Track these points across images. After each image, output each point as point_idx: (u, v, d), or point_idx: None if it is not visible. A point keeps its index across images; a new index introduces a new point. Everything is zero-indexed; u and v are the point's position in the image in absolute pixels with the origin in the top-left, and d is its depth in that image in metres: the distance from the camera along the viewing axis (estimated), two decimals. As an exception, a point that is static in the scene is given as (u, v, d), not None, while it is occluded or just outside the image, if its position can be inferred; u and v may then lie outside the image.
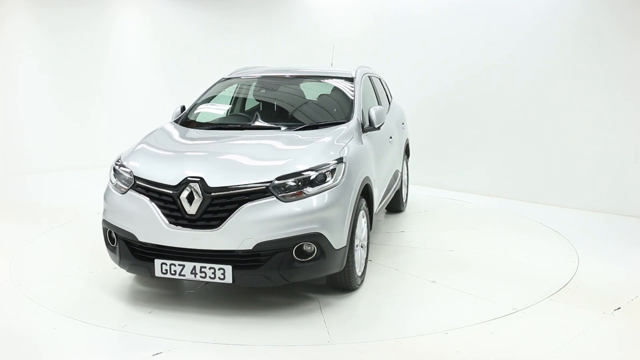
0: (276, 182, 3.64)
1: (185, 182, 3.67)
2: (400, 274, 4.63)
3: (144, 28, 10.31)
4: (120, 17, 10.03)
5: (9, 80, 8.90)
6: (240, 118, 5.10)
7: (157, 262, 3.71)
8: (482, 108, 7.71)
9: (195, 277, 3.65)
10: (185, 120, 4.89)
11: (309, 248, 3.67)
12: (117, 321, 3.75)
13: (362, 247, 4.30)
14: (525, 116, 7.36)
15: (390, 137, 5.53)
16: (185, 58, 10.45)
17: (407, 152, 6.76)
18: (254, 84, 5.43)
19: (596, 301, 4.11)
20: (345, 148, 4.06)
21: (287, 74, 5.37)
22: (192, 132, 4.63)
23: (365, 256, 4.40)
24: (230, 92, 5.39)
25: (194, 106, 5.10)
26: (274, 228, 3.56)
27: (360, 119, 4.64)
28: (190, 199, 3.64)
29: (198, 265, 3.63)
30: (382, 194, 5.16)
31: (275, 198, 3.60)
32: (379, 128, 4.75)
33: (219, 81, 5.48)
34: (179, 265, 3.66)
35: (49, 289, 4.32)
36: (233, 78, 5.46)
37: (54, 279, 4.52)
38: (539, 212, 6.76)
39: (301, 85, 5.34)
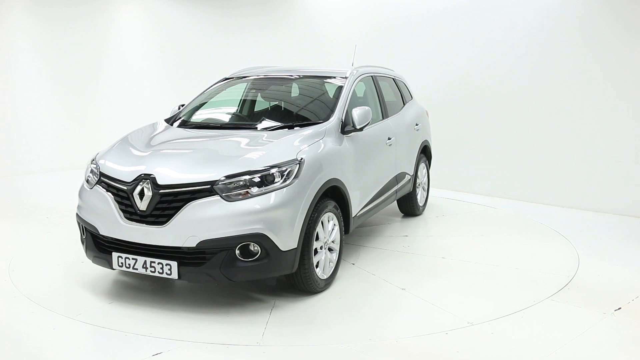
0: (221, 181, 3.68)
1: (138, 179, 3.81)
2: (376, 279, 4.50)
3: (143, 28, 10.31)
4: (120, 17, 10.03)
5: (8, 80, 8.90)
6: (223, 118, 5.17)
7: (114, 255, 3.86)
8: (482, 108, 7.71)
9: (146, 271, 3.76)
10: (176, 119, 5.03)
11: (255, 248, 3.69)
12: (117, 321, 3.75)
13: (329, 249, 4.27)
14: (525, 116, 7.36)
15: (389, 138, 5.39)
16: (185, 57, 10.45)
17: (426, 154, 6.61)
18: (249, 84, 5.50)
19: (596, 301, 4.10)
20: (306, 149, 4.05)
21: (282, 75, 5.44)
22: (171, 130, 4.73)
23: (336, 259, 4.34)
24: (225, 92, 5.44)
25: (187, 105, 5.26)
26: (216, 227, 3.61)
27: (343, 120, 4.62)
28: (141, 195, 3.76)
29: (148, 260, 3.74)
30: (371, 197, 5.02)
31: (219, 197, 3.65)
32: (361, 129, 4.66)
33: (219, 81, 5.55)
34: (132, 259, 3.79)
35: (48, 289, 4.32)
36: (232, 78, 5.55)
37: (54, 279, 4.52)
38: (539, 212, 6.76)
39: (293, 85, 5.38)
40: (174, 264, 3.67)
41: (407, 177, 5.94)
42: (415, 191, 6.25)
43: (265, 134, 4.36)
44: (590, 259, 5.02)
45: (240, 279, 3.77)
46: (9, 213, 6.74)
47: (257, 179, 3.72)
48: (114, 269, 3.93)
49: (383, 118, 5.51)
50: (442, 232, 5.89)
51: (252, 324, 3.72)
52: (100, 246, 3.99)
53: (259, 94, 5.50)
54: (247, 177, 3.71)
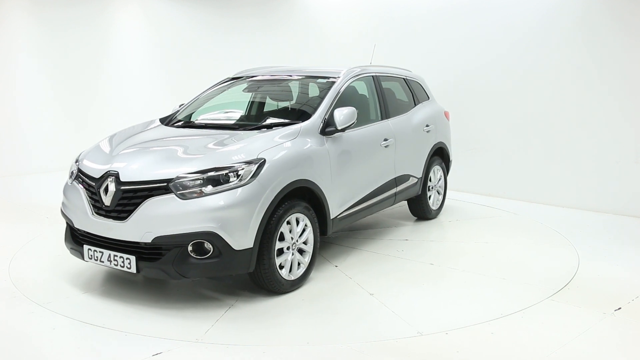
0: (176, 180, 3.75)
1: (106, 175, 3.97)
2: (350, 283, 4.43)
3: (143, 28, 10.31)
4: (120, 17, 10.03)
5: (8, 80, 8.90)
6: (211, 118, 5.16)
7: (85, 248, 4.05)
8: (481, 108, 7.71)
9: (110, 264, 3.91)
10: (170, 118, 5.15)
11: (208, 246, 3.74)
12: (117, 321, 3.75)
13: (299, 251, 4.26)
14: (525, 116, 7.36)
15: (386, 140, 5.28)
16: (185, 57, 10.45)
17: (442, 156, 6.49)
18: (244, 85, 5.54)
19: (596, 301, 4.10)
20: (270, 149, 4.06)
21: (277, 75, 5.50)
22: (158, 129, 4.83)
23: (308, 260, 4.34)
24: (221, 92, 5.50)
25: (185, 104, 5.37)
26: (170, 224, 3.70)
27: (325, 120, 4.60)
28: (106, 191, 3.92)
29: (112, 253, 3.89)
30: (358, 199, 4.93)
31: (174, 195, 3.72)
32: (343, 130, 4.62)
33: (219, 82, 5.61)
34: (99, 252, 3.96)
35: (48, 289, 4.32)
36: (232, 79, 5.62)
37: (54, 279, 4.52)
38: (539, 212, 6.76)
39: (286, 86, 5.40)
40: (133, 259, 3.80)
41: (413, 180, 5.83)
42: (426, 194, 6.13)
43: (241, 133, 4.36)
44: (590, 259, 5.02)
45: (194, 276, 3.84)
46: (9, 213, 6.74)
47: (211, 178, 3.77)
48: (85, 261, 4.10)
49: (382, 119, 5.42)
50: (446, 237, 5.77)
51: (204, 319, 3.76)
52: (75, 238, 4.21)
53: (252, 95, 5.54)
54: (201, 175, 3.77)
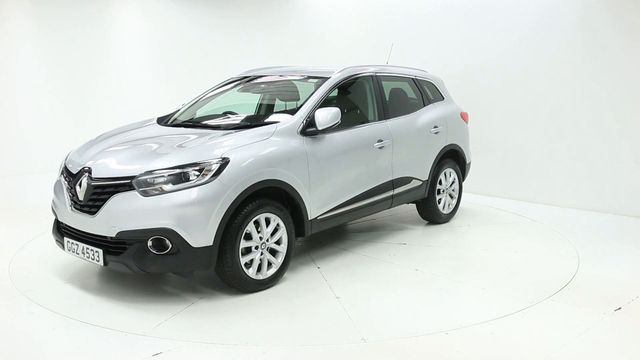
0: (139, 177, 3.86)
1: (82, 171, 4.15)
2: (323, 286, 4.39)
3: (143, 28, 10.32)
4: (120, 17, 10.04)
5: (8, 80, 8.91)
6: (201, 118, 5.20)
7: (65, 240, 4.25)
8: (481, 108, 7.71)
9: (83, 256, 4.07)
10: (168, 117, 5.26)
11: (167, 242, 3.82)
12: (117, 321, 3.75)
13: (271, 251, 4.29)
14: (525, 116, 7.36)
15: (380, 141, 5.18)
16: (185, 57, 10.46)
17: (457, 159, 6.34)
18: (240, 85, 5.58)
19: (596, 301, 4.10)
20: (237, 149, 4.09)
21: (272, 75, 5.55)
22: (149, 128, 4.91)
23: (281, 261, 4.35)
24: (219, 92, 5.55)
25: (185, 104, 5.46)
26: (132, 220, 3.82)
27: (307, 121, 4.59)
28: (81, 186, 4.09)
29: (85, 246, 4.05)
30: (344, 201, 4.87)
31: (137, 192, 3.84)
32: (324, 131, 4.60)
33: (221, 83, 5.68)
34: (75, 244, 4.13)
35: (48, 289, 4.32)
36: (235, 79, 5.67)
37: (54, 279, 4.52)
38: (539, 212, 6.76)
39: (278, 86, 5.42)
40: (101, 252, 3.93)
41: (417, 182, 5.70)
42: (435, 198, 5.99)
43: (218, 133, 4.40)
44: (590, 259, 5.02)
45: (154, 271, 3.94)
46: (9, 213, 6.75)
47: (171, 176, 3.85)
48: (66, 252, 4.30)
49: (379, 119, 5.33)
50: (448, 241, 5.56)
51: (158, 312, 3.85)
52: (59, 230, 4.40)
53: (245, 95, 5.56)
54: (162, 173, 3.86)
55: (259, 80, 5.59)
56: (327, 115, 4.55)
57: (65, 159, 4.56)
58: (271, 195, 4.32)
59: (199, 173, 3.87)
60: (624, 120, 6.57)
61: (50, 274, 4.63)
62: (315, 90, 4.87)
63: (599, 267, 4.83)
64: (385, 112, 5.42)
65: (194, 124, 4.93)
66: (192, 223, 3.79)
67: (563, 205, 7.01)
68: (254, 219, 4.10)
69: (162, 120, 5.17)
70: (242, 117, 5.09)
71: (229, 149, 4.06)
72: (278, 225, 4.31)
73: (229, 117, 5.06)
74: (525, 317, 3.84)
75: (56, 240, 4.44)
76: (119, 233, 3.84)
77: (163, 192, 3.81)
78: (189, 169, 3.87)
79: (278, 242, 4.35)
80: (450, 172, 6.22)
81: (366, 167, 5.08)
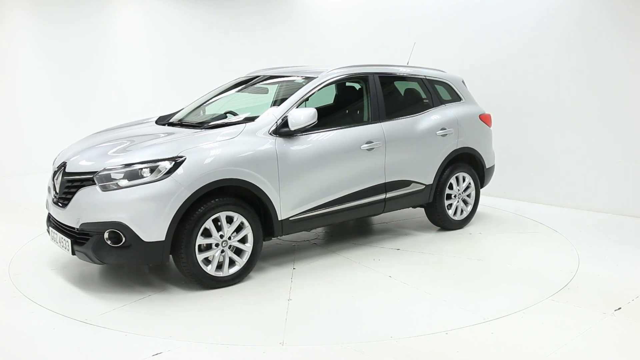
0: (99, 172, 4.07)
1: (61, 166, 4.39)
2: (284, 288, 4.33)
3: (143, 27, 10.31)
4: (120, 16, 10.04)
5: (8, 79, 8.91)
6: (190, 117, 5.25)
7: (50, 229, 4.50)
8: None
9: (60, 245, 4.31)
10: (167, 117, 5.35)
11: (121, 236, 3.99)
12: (117, 321, 3.75)
13: (232, 249, 4.33)
14: (525, 116, 7.36)
15: (370, 142, 5.04)
16: (185, 57, 10.45)
17: (474, 164, 6.06)
18: (237, 86, 5.60)
19: (596, 301, 4.10)
20: (198, 148, 4.18)
21: (269, 75, 5.55)
22: (142, 126, 5.03)
23: (245, 259, 4.38)
24: (217, 93, 5.58)
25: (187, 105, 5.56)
26: (92, 213, 4.04)
27: (281, 121, 4.59)
28: (57, 180, 4.36)
29: (60, 236, 4.28)
30: (324, 202, 4.80)
31: (97, 187, 4.06)
32: (297, 131, 4.59)
33: (233, 82, 5.75)
34: (55, 234, 4.37)
35: (48, 289, 4.33)
36: (240, 80, 5.70)
37: (53, 279, 4.53)
38: (539, 212, 6.76)
39: (272, 87, 5.41)
40: (69, 242, 4.16)
41: (418, 187, 5.50)
42: (443, 203, 5.73)
43: (187, 131, 4.53)
44: (591, 259, 5.02)
45: (110, 262, 4.15)
46: (9, 213, 6.75)
47: (127, 173, 4.02)
48: (50, 241, 4.64)
49: (373, 121, 5.20)
50: (445, 249, 5.28)
51: (109, 303, 3.75)
52: (48, 221, 4.64)
53: (240, 95, 5.55)
54: (120, 169, 4.05)
55: (269, 80, 5.52)
56: (300, 116, 4.54)
57: (58, 155, 4.77)
58: (241, 195, 4.38)
59: (152, 171, 4.02)
60: (624, 120, 6.56)
61: (50, 274, 4.63)
62: (296, 91, 4.86)
63: (599, 267, 4.83)
64: (381, 114, 5.28)
65: (182, 123, 4.97)
66: (143, 218, 3.97)
67: (563, 205, 7.01)
68: (213, 217, 4.19)
69: (162, 120, 5.22)
70: (228, 117, 5.05)
71: (188, 148, 4.17)
72: (243, 224, 4.36)
73: (221, 117, 5.06)
74: (525, 317, 3.84)
75: (46, 229, 4.69)
76: (82, 224, 4.07)
77: (119, 187, 4.00)
78: (144, 166, 4.03)
79: (244, 241, 4.39)
80: (463, 177, 5.92)
81: (350, 168, 4.96)
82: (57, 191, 4.32)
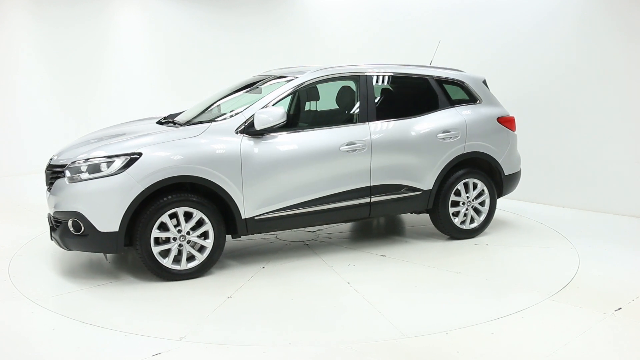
0: (69, 165, 4.39)
1: (50, 159, 4.72)
2: (234, 286, 4.35)
3: (143, 27, 10.31)
4: (120, 16, 10.03)
5: (8, 79, 8.91)
6: (180, 117, 5.31)
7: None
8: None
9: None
10: (168, 117, 5.47)
11: (80, 225, 4.29)
12: (117, 322, 3.75)
13: (188, 242, 4.46)
14: (525, 116, 7.35)
15: (352, 144, 4.90)
16: (185, 56, 10.46)
17: (488, 169, 5.69)
18: (234, 86, 5.62)
19: (597, 301, 4.10)
20: (156, 145, 4.39)
21: (265, 75, 5.58)
22: (136, 124, 5.26)
23: (205, 255, 4.50)
24: (218, 94, 5.58)
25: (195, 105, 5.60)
26: (60, 202, 4.37)
27: (251, 120, 4.61)
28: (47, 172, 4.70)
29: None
30: (295, 203, 4.75)
31: (65, 178, 4.38)
32: (261, 132, 4.60)
33: (246, 81, 5.76)
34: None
35: (48, 289, 4.33)
36: (253, 80, 5.68)
37: (53, 280, 4.54)
38: (539, 212, 6.76)
39: (263, 87, 5.32)
40: (48, 228, 4.62)
41: (413, 192, 5.25)
42: (447, 210, 5.41)
43: (159, 129, 4.77)
44: (590, 259, 5.02)
45: (73, 249, 4.49)
46: (9, 213, 6.75)
47: (89, 166, 4.31)
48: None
49: (360, 122, 5.06)
50: (438, 260, 4.96)
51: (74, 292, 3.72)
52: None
53: (235, 94, 5.48)
54: (83, 163, 4.33)
55: (275, 80, 5.40)
56: (264, 117, 4.56)
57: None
58: (205, 192, 4.53)
59: (109, 165, 4.29)
60: (624, 121, 6.56)
61: (50, 275, 4.64)
62: (271, 91, 4.87)
63: (599, 267, 4.83)
64: (370, 115, 5.10)
65: (174, 121, 5.07)
66: (98, 209, 4.26)
67: (563, 205, 7.01)
68: (169, 212, 4.37)
69: (167, 118, 5.35)
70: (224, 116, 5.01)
71: (146, 145, 4.39)
72: (203, 220, 4.48)
73: (214, 117, 5.02)
74: (525, 317, 3.84)
75: (48, 217, 4.88)
76: (55, 213, 4.43)
77: (81, 180, 4.30)
78: (102, 161, 4.30)
79: (205, 237, 4.51)
80: (474, 184, 5.54)
81: (326, 170, 4.85)
82: (47, 183, 4.67)
